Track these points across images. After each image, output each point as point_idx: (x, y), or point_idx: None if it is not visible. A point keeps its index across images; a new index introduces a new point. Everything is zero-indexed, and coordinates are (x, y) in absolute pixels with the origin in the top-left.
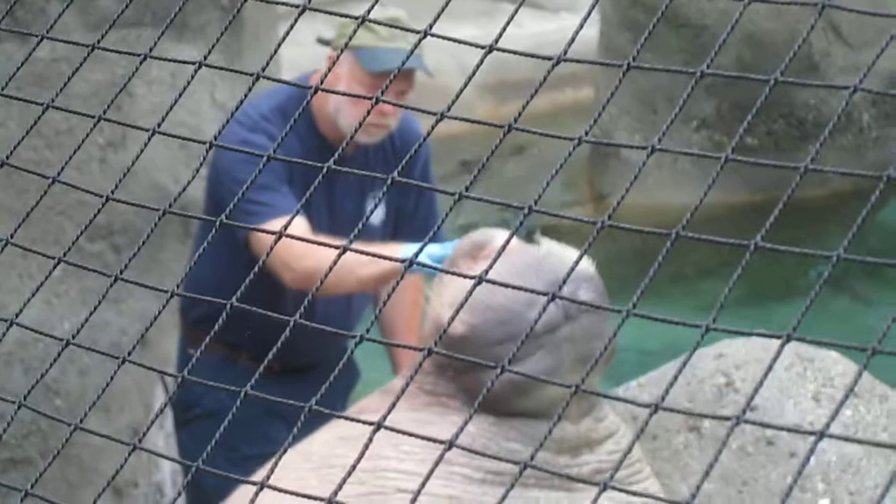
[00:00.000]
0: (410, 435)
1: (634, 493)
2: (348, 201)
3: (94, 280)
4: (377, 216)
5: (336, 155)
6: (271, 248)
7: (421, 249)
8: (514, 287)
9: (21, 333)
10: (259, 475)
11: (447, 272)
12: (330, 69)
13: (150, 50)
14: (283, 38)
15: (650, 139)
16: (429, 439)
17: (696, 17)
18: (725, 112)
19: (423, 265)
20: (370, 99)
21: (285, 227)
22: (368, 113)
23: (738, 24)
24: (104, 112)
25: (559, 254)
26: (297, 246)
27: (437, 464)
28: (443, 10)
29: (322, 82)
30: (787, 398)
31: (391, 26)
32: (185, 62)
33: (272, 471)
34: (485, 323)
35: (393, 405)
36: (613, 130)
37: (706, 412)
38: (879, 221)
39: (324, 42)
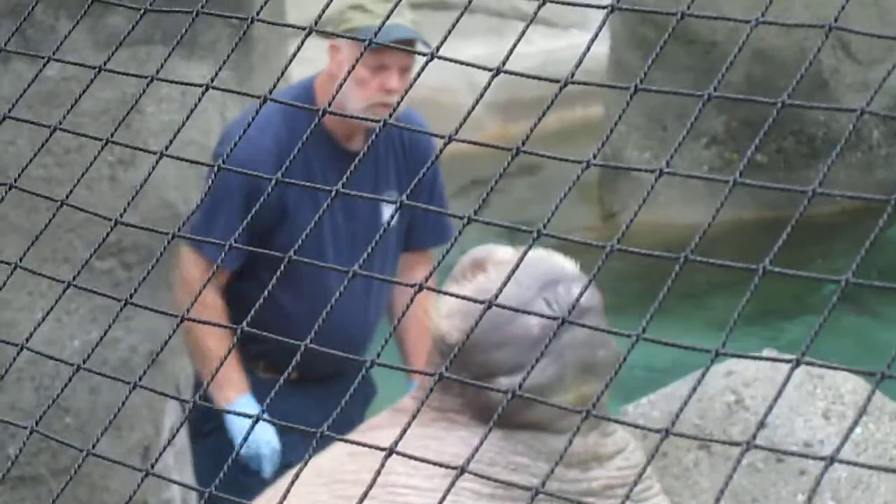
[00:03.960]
0: (422, 461)
1: None
2: (362, 200)
3: (103, 298)
4: (390, 216)
5: (355, 161)
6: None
7: (429, 276)
8: (525, 312)
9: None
10: (271, 491)
11: (456, 296)
12: (352, 70)
13: (157, 72)
14: (291, 59)
15: (660, 156)
16: (442, 465)
17: (706, 34)
18: (735, 129)
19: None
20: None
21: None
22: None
23: (748, 41)
24: (111, 134)
25: (547, 257)
26: (194, 278)
27: (448, 490)
28: (450, 31)
29: (343, 80)
30: (798, 416)
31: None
32: (192, 84)
33: (288, 490)
34: (477, 327)
35: (404, 431)
36: (623, 148)
37: (716, 430)
38: (890, 238)
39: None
